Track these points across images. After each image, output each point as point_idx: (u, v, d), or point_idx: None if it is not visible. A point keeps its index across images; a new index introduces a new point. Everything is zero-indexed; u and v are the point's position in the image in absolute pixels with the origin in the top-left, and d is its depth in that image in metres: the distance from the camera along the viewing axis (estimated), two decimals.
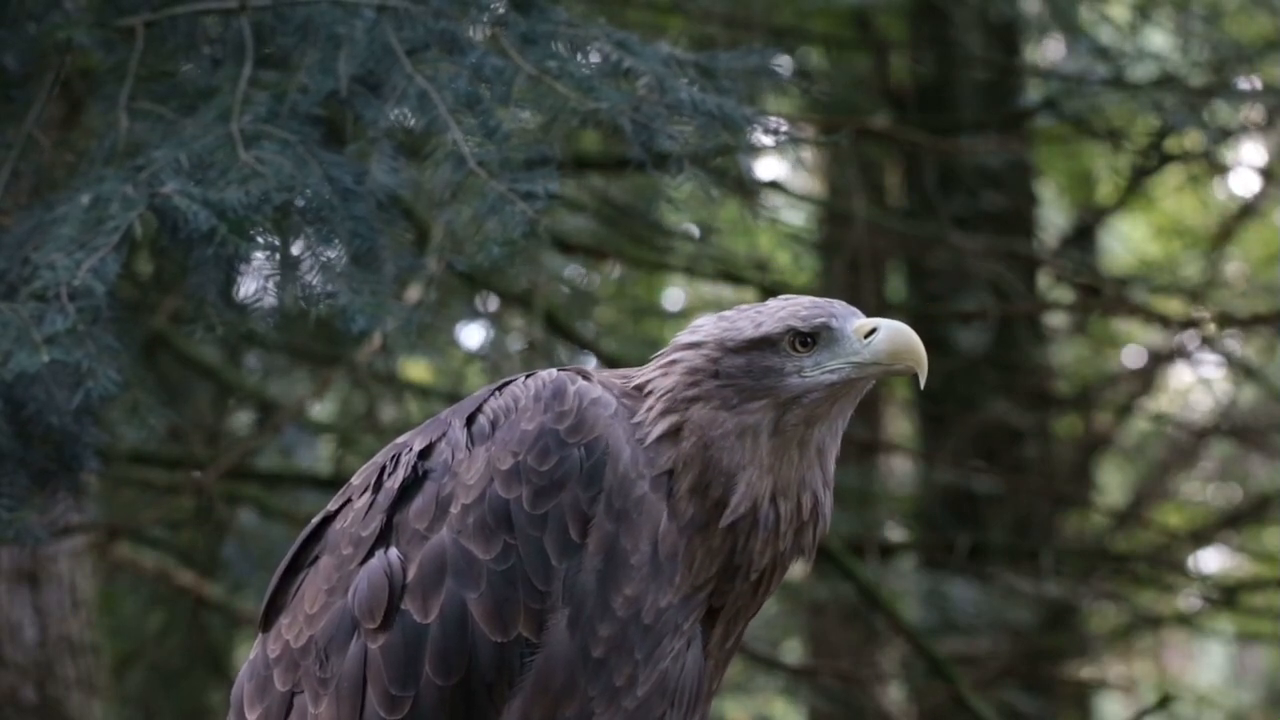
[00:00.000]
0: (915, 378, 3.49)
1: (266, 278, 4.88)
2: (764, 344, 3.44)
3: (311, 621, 3.47)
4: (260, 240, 4.76)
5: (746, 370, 3.43)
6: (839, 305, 3.49)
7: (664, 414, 3.43)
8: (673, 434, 3.42)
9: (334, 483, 8.46)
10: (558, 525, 3.37)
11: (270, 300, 4.96)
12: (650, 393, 3.45)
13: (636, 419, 3.44)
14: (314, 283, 4.81)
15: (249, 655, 3.62)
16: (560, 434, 3.39)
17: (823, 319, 3.45)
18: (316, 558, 3.55)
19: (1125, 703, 11.63)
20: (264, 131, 4.85)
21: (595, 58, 5.02)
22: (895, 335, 3.44)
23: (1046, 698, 10.47)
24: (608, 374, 3.53)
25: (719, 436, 3.41)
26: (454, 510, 3.40)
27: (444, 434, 3.48)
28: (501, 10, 5.07)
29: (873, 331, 3.45)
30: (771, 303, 3.51)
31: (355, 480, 3.58)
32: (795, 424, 3.43)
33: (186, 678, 9.64)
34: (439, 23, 4.98)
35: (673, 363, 3.47)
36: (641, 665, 3.41)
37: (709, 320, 3.52)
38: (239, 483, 8.63)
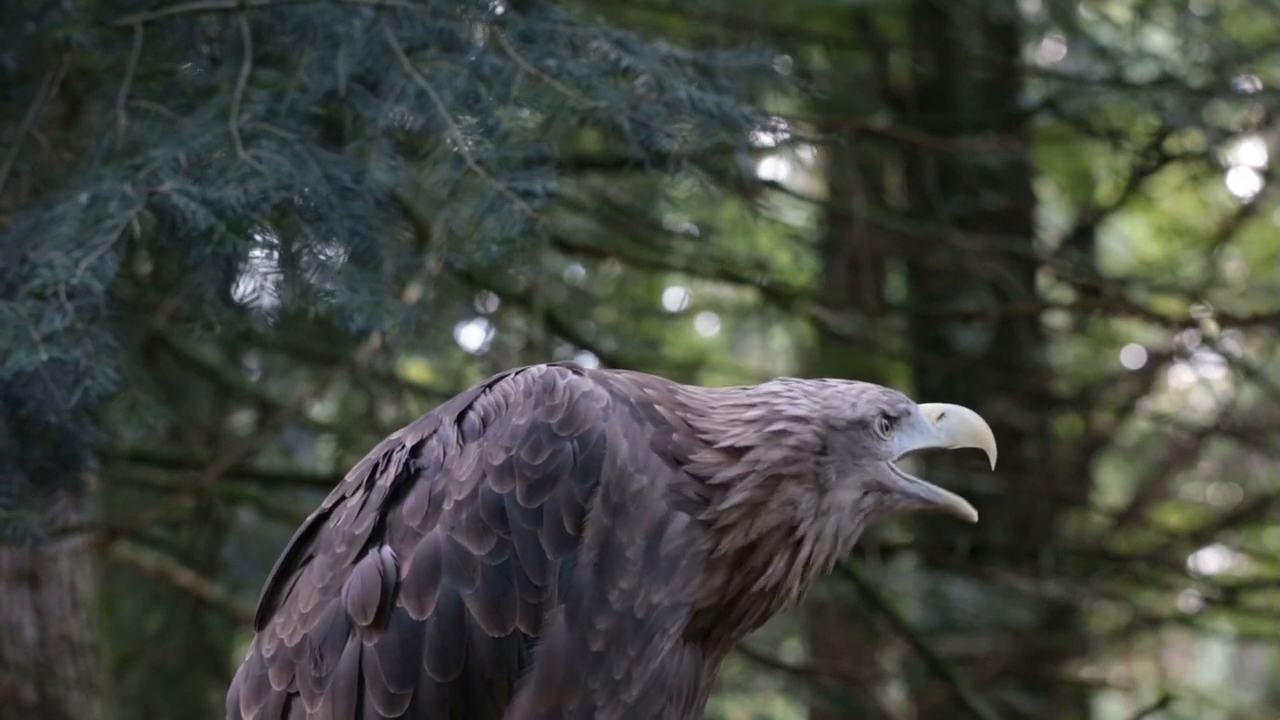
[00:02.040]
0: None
1: (265, 276, 4.88)
2: (860, 425, 3.53)
3: (306, 620, 3.48)
4: (259, 239, 4.76)
5: (847, 450, 3.51)
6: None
7: (759, 485, 3.46)
8: (759, 504, 3.46)
9: (334, 483, 8.44)
10: (552, 519, 3.37)
11: (268, 299, 4.96)
12: (750, 460, 3.47)
13: (697, 460, 3.46)
14: (312, 281, 4.82)
15: (246, 656, 3.62)
16: (552, 428, 3.39)
17: (904, 404, 3.58)
18: (310, 557, 3.55)
19: (1125, 703, 11.62)
20: (262, 130, 4.85)
21: (594, 57, 5.02)
22: (966, 418, 3.62)
23: (1046, 698, 10.47)
24: (641, 389, 3.53)
25: (801, 513, 3.47)
26: (447, 507, 3.40)
27: (435, 431, 3.49)
28: (500, 9, 5.07)
29: (942, 415, 3.61)
30: (840, 384, 3.60)
31: (349, 478, 3.58)
32: (866, 510, 3.52)
33: (186, 678, 9.64)
34: (438, 21, 4.99)
35: (781, 433, 3.49)
36: (635, 661, 3.41)
37: (796, 391, 3.57)
38: (239, 483, 8.63)
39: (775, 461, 3.47)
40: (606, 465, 3.38)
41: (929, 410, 3.60)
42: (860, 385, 3.59)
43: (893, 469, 3.53)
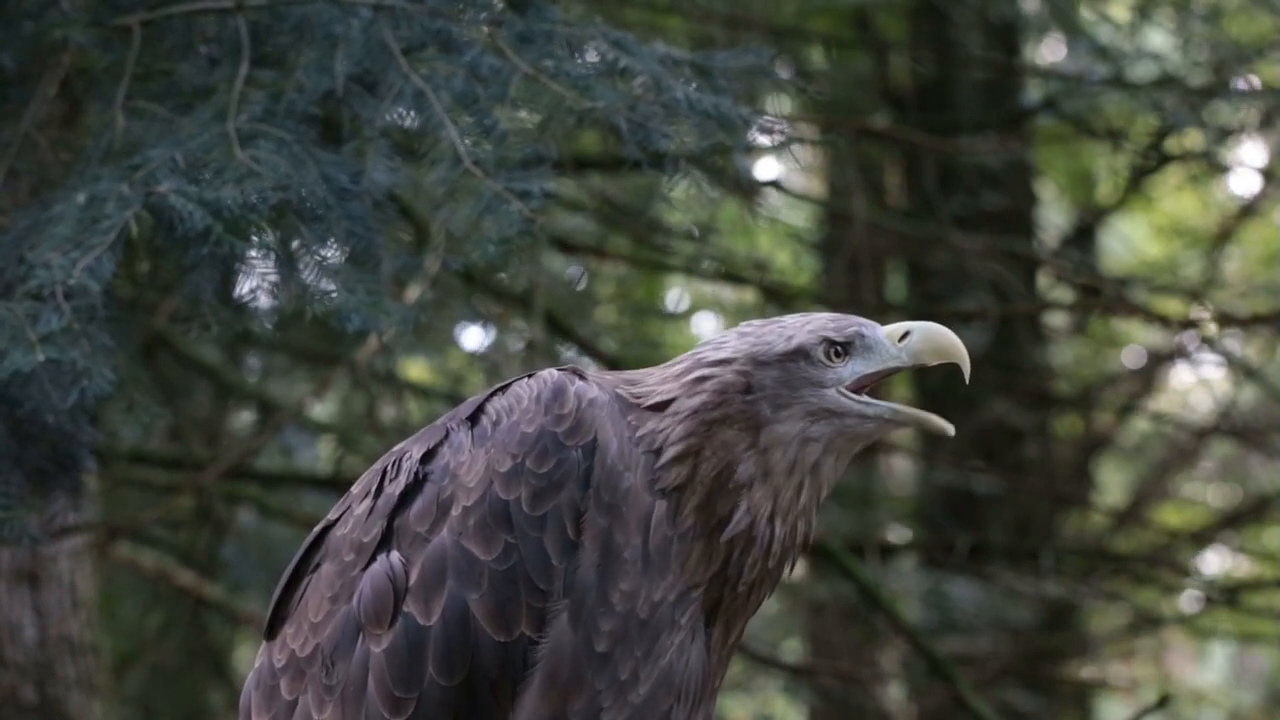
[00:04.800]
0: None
1: (262, 277, 4.88)
2: (798, 355, 3.46)
3: (317, 630, 3.48)
4: (256, 239, 4.76)
5: (782, 382, 3.44)
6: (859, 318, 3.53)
7: (687, 435, 3.43)
8: (692, 454, 3.43)
9: (334, 483, 8.47)
10: (556, 525, 3.38)
11: (265, 299, 4.97)
12: (673, 411, 3.45)
13: (643, 431, 3.44)
14: (310, 281, 4.82)
15: (255, 663, 3.63)
16: (559, 436, 3.40)
17: (855, 328, 3.47)
18: (318, 565, 3.56)
19: (1125, 703, 11.62)
20: (260, 130, 4.85)
21: (591, 57, 5.02)
22: (931, 332, 3.48)
23: (1046, 698, 10.47)
24: (610, 376, 3.53)
25: (739, 454, 3.42)
26: (455, 512, 3.41)
27: (445, 438, 3.49)
28: (498, 9, 5.07)
29: (906, 334, 3.48)
30: (791, 317, 3.52)
31: (355, 489, 3.59)
32: (817, 439, 3.44)
33: (186, 678, 9.64)
34: (435, 22, 4.99)
35: (700, 379, 3.46)
36: (642, 661, 3.41)
37: (730, 336, 3.52)
38: (239, 483, 8.63)
39: (697, 407, 3.43)
40: (597, 466, 3.39)
41: (892, 330, 3.49)
42: (811, 315, 3.52)
43: (843, 394, 3.44)
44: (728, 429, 3.43)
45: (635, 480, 3.41)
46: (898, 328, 3.49)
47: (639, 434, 3.43)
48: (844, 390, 3.45)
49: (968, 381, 3.52)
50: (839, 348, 3.46)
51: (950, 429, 3.45)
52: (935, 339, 3.47)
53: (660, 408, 3.45)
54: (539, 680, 3.37)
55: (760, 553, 3.45)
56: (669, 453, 3.42)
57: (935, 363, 3.47)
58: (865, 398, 3.46)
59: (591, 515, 3.38)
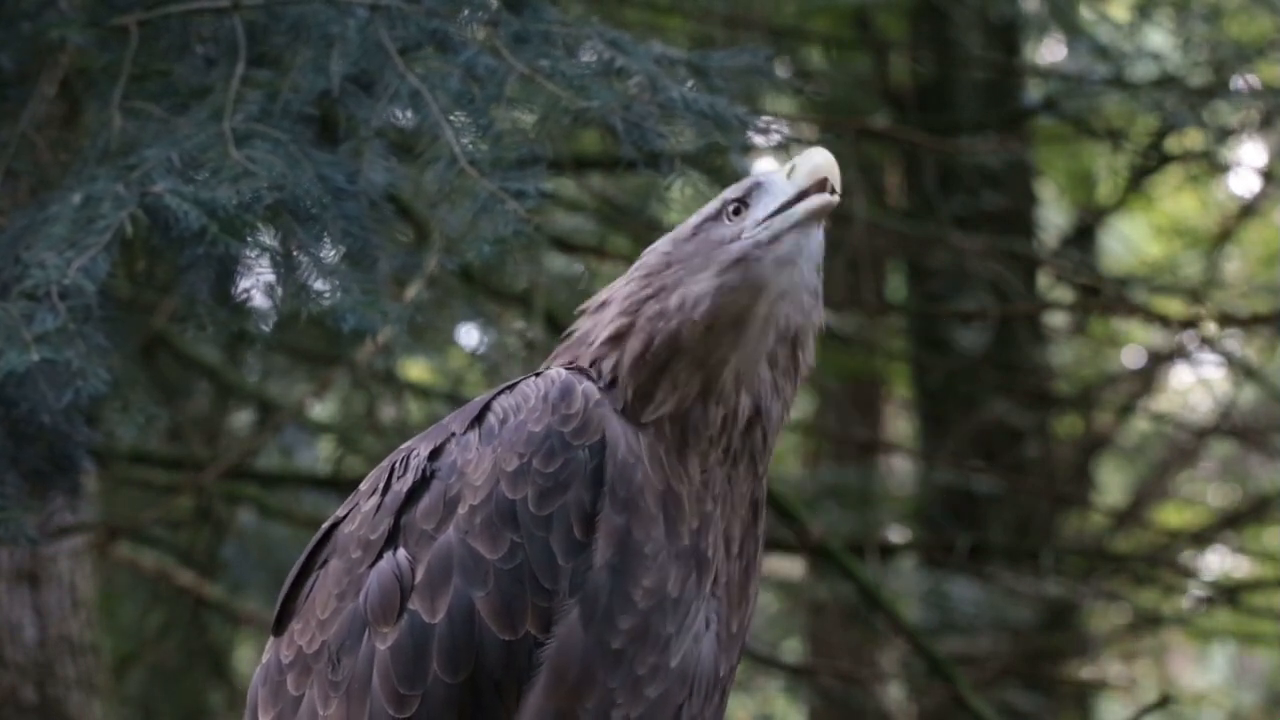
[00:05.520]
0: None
1: (257, 276, 4.89)
2: (707, 222, 3.50)
3: (324, 627, 3.49)
4: (251, 239, 4.76)
5: (697, 251, 3.46)
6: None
7: (617, 315, 3.47)
8: (623, 333, 3.45)
9: (334, 483, 8.48)
10: (563, 525, 3.38)
11: (261, 299, 4.97)
12: (604, 308, 3.50)
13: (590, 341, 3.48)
14: (306, 281, 4.82)
15: (262, 658, 3.64)
16: (565, 436, 3.40)
17: (752, 180, 3.51)
18: (326, 562, 3.56)
19: (1125, 703, 11.61)
20: (256, 130, 4.85)
21: (588, 57, 5.03)
22: (809, 155, 3.49)
23: (1046, 698, 10.46)
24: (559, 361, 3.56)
25: (665, 321, 3.43)
26: (461, 510, 3.41)
27: (450, 436, 3.49)
28: (494, 9, 5.07)
29: (792, 169, 3.50)
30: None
31: (363, 486, 3.59)
32: (733, 288, 3.43)
33: (186, 678, 9.64)
34: (432, 22, 4.99)
35: (632, 272, 3.51)
36: (674, 637, 3.41)
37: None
38: (239, 483, 8.64)
39: (628, 293, 3.47)
40: (609, 463, 3.39)
41: (786, 169, 3.50)
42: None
43: (740, 240, 3.46)
44: (652, 303, 3.45)
45: (645, 470, 3.41)
46: (789, 166, 3.51)
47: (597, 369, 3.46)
48: (744, 234, 3.47)
49: (835, 198, 3.48)
50: (740, 204, 3.49)
51: (837, 182, 3.45)
52: (811, 163, 3.46)
53: (599, 310, 3.52)
54: (544, 679, 3.37)
55: (713, 433, 3.44)
56: (603, 335, 3.46)
57: (811, 183, 3.45)
58: (761, 220, 3.47)
59: (607, 514, 3.38)
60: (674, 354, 3.43)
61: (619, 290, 3.51)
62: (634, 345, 3.44)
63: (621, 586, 3.37)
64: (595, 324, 3.52)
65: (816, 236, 3.46)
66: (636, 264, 3.53)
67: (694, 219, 3.52)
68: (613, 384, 3.45)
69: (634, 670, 3.40)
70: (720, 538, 3.48)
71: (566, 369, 3.48)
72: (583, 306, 3.59)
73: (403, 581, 3.42)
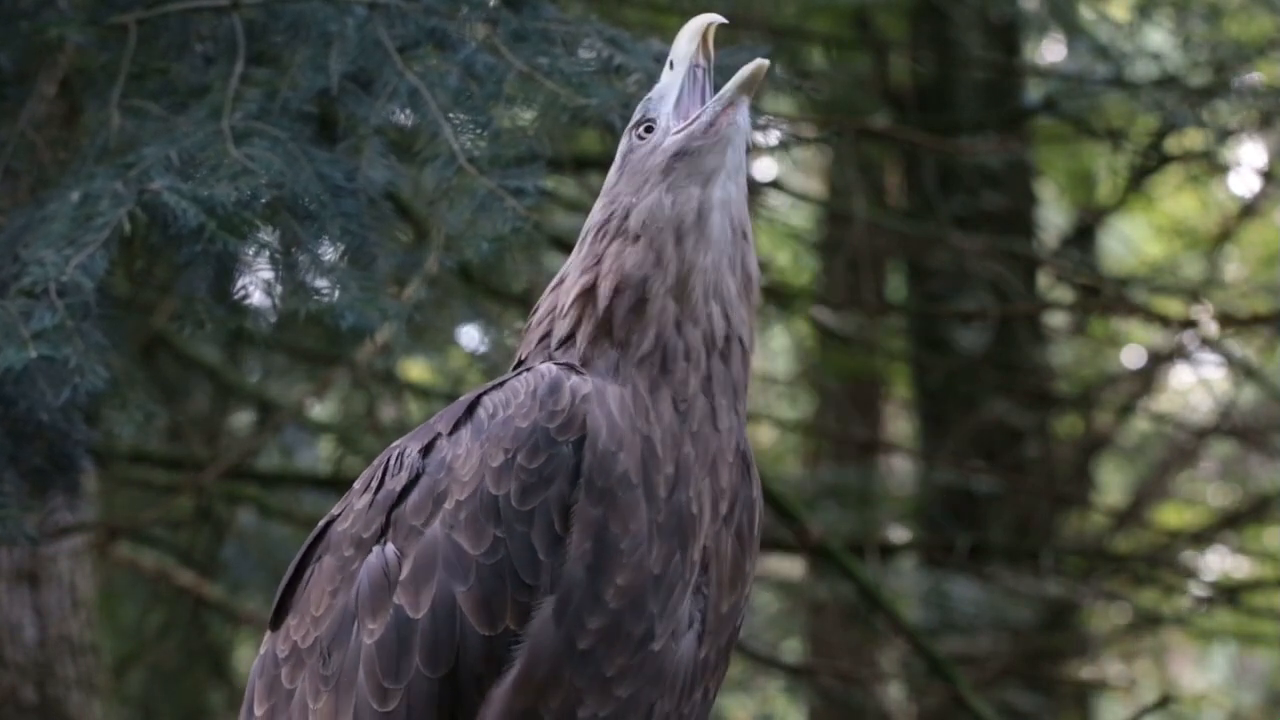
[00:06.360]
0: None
1: (256, 274, 4.89)
2: (627, 156, 3.54)
3: (317, 623, 3.51)
4: (250, 237, 4.76)
5: (631, 177, 3.51)
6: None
7: (580, 274, 3.49)
8: (591, 285, 3.47)
9: (334, 483, 8.47)
10: (544, 520, 3.38)
11: (259, 297, 4.97)
12: (564, 277, 3.52)
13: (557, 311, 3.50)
14: (304, 279, 4.82)
15: (259, 651, 3.66)
16: (551, 432, 3.40)
17: (643, 99, 3.60)
18: (320, 558, 3.58)
19: (1125, 703, 11.61)
20: (255, 128, 4.85)
21: (587, 54, 5.03)
22: (683, 29, 3.59)
23: (1046, 698, 10.46)
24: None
25: (631, 245, 3.46)
26: (448, 505, 3.42)
27: (440, 433, 3.50)
28: (493, 6, 5.08)
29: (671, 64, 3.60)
30: None
31: (357, 484, 3.61)
32: (683, 184, 3.47)
33: (186, 678, 9.65)
34: (430, 20, 4.99)
35: (577, 246, 3.54)
36: (657, 620, 3.40)
37: None
38: (239, 483, 8.64)
39: (584, 255, 3.51)
40: (587, 454, 3.39)
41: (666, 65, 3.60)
42: None
43: (670, 135, 3.51)
44: (616, 243, 3.48)
45: (632, 460, 3.40)
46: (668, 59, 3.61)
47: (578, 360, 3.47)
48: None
49: (710, 50, 3.58)
50: (645, 123, 3.56)
51: (765, 62, 3.51)
52: (683, 33, 3.59)
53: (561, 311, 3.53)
54: (514, 675, 3.37)
55: (700, 337, 3.45)
56: (570, 299, 3.47)
57: (690, 49, 3.56)
58: (672, 125, 3.53)
59: (583, 506, 3.37)
60: (646, 278, 3.45)
61: (572, 261, 3.55)
62: (605, 289, 3.46)
63: (594, 584, 3.37)
64: (558, 295, 3.54)
65: (743, 111, 3.52)
66: (580, 237, 3.57)
67: (614, 165, 3.57)
68: (592, 344, 3.47)
69: (602, 670, 3.39)
70: (706, 494, 3.47)
71: (557, 365, 3.48)
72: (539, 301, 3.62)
73: (390, 576, 3.43)
